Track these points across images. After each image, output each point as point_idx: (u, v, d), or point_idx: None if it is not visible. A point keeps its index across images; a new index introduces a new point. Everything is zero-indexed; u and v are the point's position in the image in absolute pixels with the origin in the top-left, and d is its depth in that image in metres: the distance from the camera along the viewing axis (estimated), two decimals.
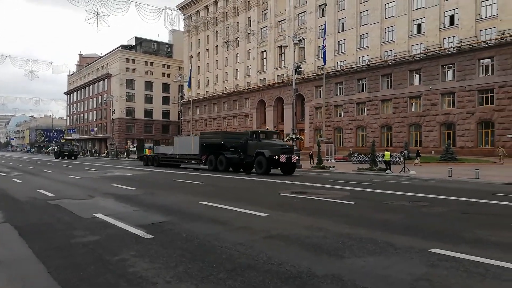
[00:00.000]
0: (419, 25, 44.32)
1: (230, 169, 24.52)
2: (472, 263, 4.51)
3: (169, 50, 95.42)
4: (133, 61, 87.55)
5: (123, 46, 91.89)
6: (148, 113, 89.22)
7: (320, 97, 51.75)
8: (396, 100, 45.27)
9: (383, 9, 47.41)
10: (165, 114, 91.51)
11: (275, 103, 62.05)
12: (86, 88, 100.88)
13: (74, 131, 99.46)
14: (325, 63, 36.94)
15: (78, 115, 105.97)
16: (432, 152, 38.74)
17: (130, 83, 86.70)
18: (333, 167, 28.54)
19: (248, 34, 65.06)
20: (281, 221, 7.35)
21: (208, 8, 76.66)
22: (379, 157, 27.55)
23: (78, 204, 9.53)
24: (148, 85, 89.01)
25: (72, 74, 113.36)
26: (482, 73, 38.86)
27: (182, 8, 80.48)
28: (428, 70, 42.46)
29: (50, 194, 11.42)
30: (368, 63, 48.09)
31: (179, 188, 14.11)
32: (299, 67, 34.02)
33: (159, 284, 3.84)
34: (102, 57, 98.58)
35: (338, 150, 44.45)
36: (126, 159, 52.53)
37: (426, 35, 43.17)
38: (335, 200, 10.61)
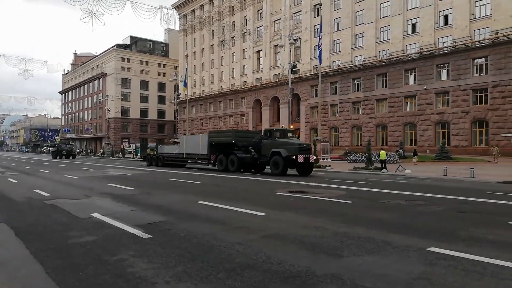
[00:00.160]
0: (413, 25, 44.51)
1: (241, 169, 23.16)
2: (470, 262, 4.54)
3: (164, 49, 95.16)
4: (129, 60, 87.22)
5: (118, 45, 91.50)
6: (144, 112, 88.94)
7: (315, 96, 51.83)
8: (391, 99, 45.46)
9: (378, 8, 47.57)
10: (161, 113, 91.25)
11: (271, 103, 62.08)
12: (81, 87, 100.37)
13: (69, 131, 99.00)
14: (320, 63, 36.93)
15: (73, 115, 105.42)
16: (427, 151, 38.94)
17: (125, 82, 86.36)
18: (329, 166, 28.63)
19: (244, 33, 65.05)
20: (279, 221, 7.36)
21: (203, 7, 76.51)
22: (375, 156, 27.70)
23: (75, 204, 9.48)
24: (144, 85, 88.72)
25: (67, 73, 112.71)
26: (476, 73, 39.12)
27: (177, 7, 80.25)
28: (423, 69, 42.68)
29: (46, 194, 11.35)
30: (363, 62, 48.23)
31: (176, 188, 14.09)
32: (295, 66, 34.12)
33: (159, 284, 3.83)
34: (97, 56, 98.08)
35: (333, 149, 44.56)
36: (122, 158, 52.38)
37: (420, 34, 43.37)
38: (331, 199, 10.65)
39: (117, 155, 59.11)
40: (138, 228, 6.42)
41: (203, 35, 76.69)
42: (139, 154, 57.90)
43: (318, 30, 45.25)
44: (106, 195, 11.35)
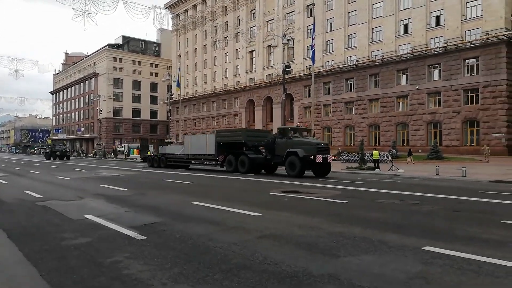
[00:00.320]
0: (406, 26, 44.84)
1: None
2: (465, 261, 4.57)
3: (157, 49, 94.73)
4: (121, 60, 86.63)
5: (110, 45, 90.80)
6: (136, 112, 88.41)
7: (309, 96, 51.98)
8: (384, 99, 45.75)
9: (370, 9, 47.84)
10: (153, 113, 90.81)
11: (264, 103, 62.11)
12: (73, 87, 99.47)
13: (60, 131, 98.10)
14: (313, 63, 37.05)
15: (65, 115, 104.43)
16: (419, 150, 39.24)
17: (117, 82, 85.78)
18: None
19: (237, 33, 65.02)
20: (274, 221, 7.35)
21: (196, 7, 76.30)
22: (368, 156, 27.83)
23: (68, 205, 9.38)
24: (136, 85, 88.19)
25: (58, 73, 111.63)
26: (468, 73, 39.52)
27: (170, 6, 79.98)
28: (415, 70, 43.01)
29: (38, 196, 11.21)
30: (356, 63, 48.47)
31: (170, 189, 14.01)
32: (288, 66, 34.12)
33: (155, 286, 3.79)
34: (88, 56, 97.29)
35: None
36: (114, 159, 51.99)
37: (412, 35, 43.70)
38: (326, 199, 10.67)
39: (109, 156, 58.66)
40: (132, 229, 6.37)
41: (196, 35, 76.48)
42: (131, 155, 57.57)
43: (311, 30, 45.42)
44: (99, 196, 11.24)
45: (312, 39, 35.16)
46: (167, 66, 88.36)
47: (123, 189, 13.19)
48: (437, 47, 41.09)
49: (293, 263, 4.48)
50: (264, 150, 22.03)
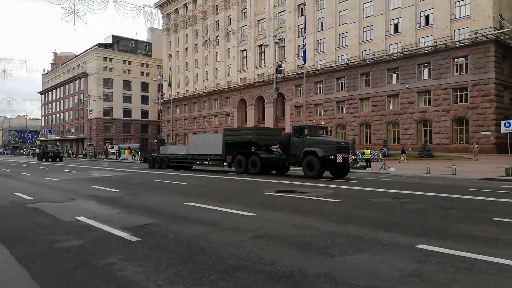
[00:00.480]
0: (396, 25, 45.20)
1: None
2: (458, 258, 4.62)
3: (147, 49, 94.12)
4: (111, 59, 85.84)
5: (100, 45, 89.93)
6: (127, 112, 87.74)
7: (300, 96, 52.11)
8: (375, 98, 46.07)
9: (361, 8, 48.12)
10: (144, 113, 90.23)
11: (256, 102, 62.11)
12: (62, 87, 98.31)
13: (49, 132, 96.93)
14: (305, 62, 37.10)
15: (54, 115, 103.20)
16: (410, 149, 39.57)
17: (107, 82, 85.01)
18: None
19: (228, 33, 64.84)
20: (268, 221, 7.35)
21: (187, 6, 75.94)
22: (359, 155, 28.00)
23: (59, 207, 9.26)
24: (126, 84, 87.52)
25: (47, 73, 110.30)
26: (457, 72, 39.99)
27: (161, 6, 79.50)
28: (405, 69, 43.38)
29: (28, 197, 11.05)
30: (347, 62, 48.74)
31: (163, 189, 13.92)
32: (279, 66, 34.15)
33: None
34: (78, 55, 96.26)
35: None
36: (105, 160, 51.53)
37: (402, 34, 44.08)
38: (319, 198, 10.70)
39: (99, 157, 58.12)
40: (126, 231, 6.31)
41: (187, 34, 76.15)
42: (122, 155, 57.06)
43: (302, 29, 45.42)
44: (91, 197, 11.12)
45: (303, 39, 35.21)
46: (158, 65, 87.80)
47: (115, 190, 13.07)
48: (427, 46, 41.50)
49: (289, 263, 4.48)
50: (276, 150, 21.19)
